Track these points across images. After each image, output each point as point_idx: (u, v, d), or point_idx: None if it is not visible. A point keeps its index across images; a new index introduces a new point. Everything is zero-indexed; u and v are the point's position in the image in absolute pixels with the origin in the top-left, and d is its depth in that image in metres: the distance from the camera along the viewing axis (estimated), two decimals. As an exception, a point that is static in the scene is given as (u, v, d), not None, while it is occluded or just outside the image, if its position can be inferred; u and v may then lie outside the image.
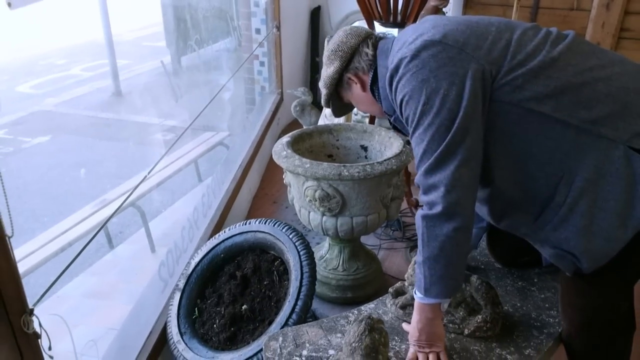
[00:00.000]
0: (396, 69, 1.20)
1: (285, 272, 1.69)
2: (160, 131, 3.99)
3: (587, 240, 1.15)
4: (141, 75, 5.81)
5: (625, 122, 1.12)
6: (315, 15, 4.08)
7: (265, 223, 1.77)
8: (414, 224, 2.62)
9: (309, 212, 1.98)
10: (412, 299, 1.44)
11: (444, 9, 2.91)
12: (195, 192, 3.15)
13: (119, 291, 2.45)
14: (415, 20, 2.49)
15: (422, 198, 1.21)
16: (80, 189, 3.43)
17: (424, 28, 1.21)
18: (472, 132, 1.14)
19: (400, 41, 1.26)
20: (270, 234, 1.73)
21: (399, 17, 2.46)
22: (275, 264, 1.72)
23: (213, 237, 1.83)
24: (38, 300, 1.01)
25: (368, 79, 1.37)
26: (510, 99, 1.14)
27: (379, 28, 2.60)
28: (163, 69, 3.08)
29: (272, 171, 3.16)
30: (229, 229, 1.83)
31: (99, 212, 2.52)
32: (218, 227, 2.25)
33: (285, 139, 2.07)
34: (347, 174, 1.79)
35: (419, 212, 1.22)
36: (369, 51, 1.34)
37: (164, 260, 1.78)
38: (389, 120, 1.44)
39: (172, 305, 1.70)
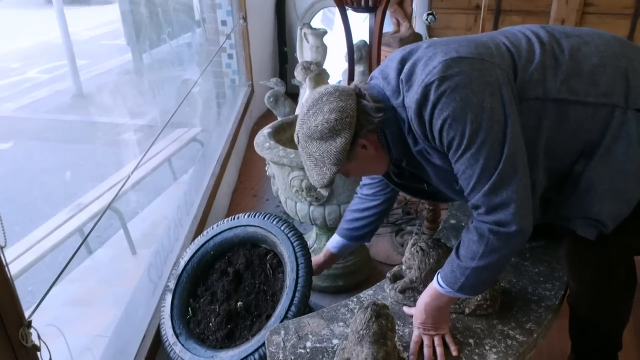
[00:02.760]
0: (424, 97, 1.11)
1: (278, 265, 1.66)
2: (129, 131, 3.88)
3: (609, 203, 1.21)
4: (102, 75, 5.64)
5: (626, 86, 1.17)
6: (281, 5, 4.03)
7: (254, 216, 1.73)
8: (396, 209, 2.64)
9: (296, 203, 1.96)
10: (411, 282, 1.44)
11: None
12: (172, 191, 3.09)
13: (102, 296, 2.38)
14: (386, 6, 2.48)
15: (486, 218, 1.15)
16: (51, 195, 3.31)
17: (423, 53, 1.16)
18: (521, 139, 1.13)
19: (402, 75, 1.17)
20: (260, 227, 1.70)
21: (370, 2, 2.45)
22: (268, 257, 1.69)
23: (201, 234, 1.79)
24: (33, 312, 0.96)
25: (377, 137, 1.24)
26: (535, 94, 1.15)
27: (350, 14, 2.58)
28: (130, 67, 2.98)
29: (250, 164, 3.12)
30: (217, 225, 1.79)
31: (75, 217, 2.44)
32: (202, 224, 2.21)
33: (266, 130, 2.04)
34: (333, 161, 1.77)
35: (484, 226, 1.16)
36: (373, 104, 1.19)
37: (153, 262, 1.73)
38: (391, 174, 1.38)
39: (164, 307, 1.66)
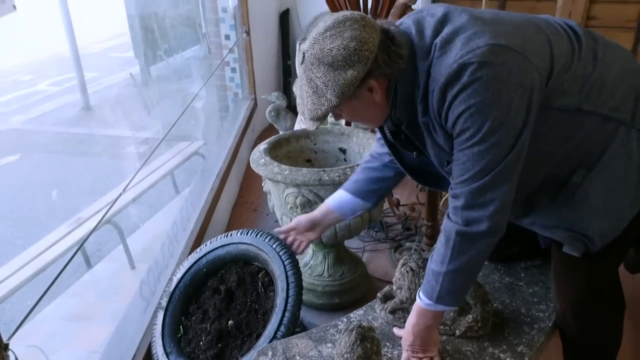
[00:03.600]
0: (457, 75, 1.03)
1: (270, 283, 1.65)
2: (133, 144, 3.91)
3: (600, 220, 1.19)
4: (111, 88, 5.70)
5: (634, 105, 1.16)
6: (285, 18, 4.05)
7: (247, 234, 1.72)
8: (396, 224, 2.62)
9: (291, 219, 1.94)
10: (402, 302, 1.42)
11: (413, 6, 2.91)
12: (173, 205, 3.09)
13: (100, 311, 2.38)
14: (386, 19, 2.48)
15: (460, 213, 1.13)
16: (54, 208, 3.34)
17: (469, 24, 1.07)
18: (526, 147, 1.10)
19: (438, 38, 1.08)
20: (253, 244, 1.69)
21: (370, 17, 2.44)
22: (260, 275, 1.68)
23: (194, 252, 1.78)
24: (12, 334, 0.96)
25: (388, 85, 1.15)
26: (559, 104, 1.12)
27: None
28: (133, 81, 3.01)
29: (251, 179, 3.11)
30: (210, 242, 1.78)
31: (75, 231, 2.45)
32: (199, 239, 2.21)
33: (263, 145, 2.04)
34: (327, 178, 1.76)
35: (452, 227, 1.15)
36: (401, 51, 1.08)
37: (145, 279, 1.73)
38: (384, 127, 1.30)
39: (155, 324, 1.65)
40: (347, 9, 2.44)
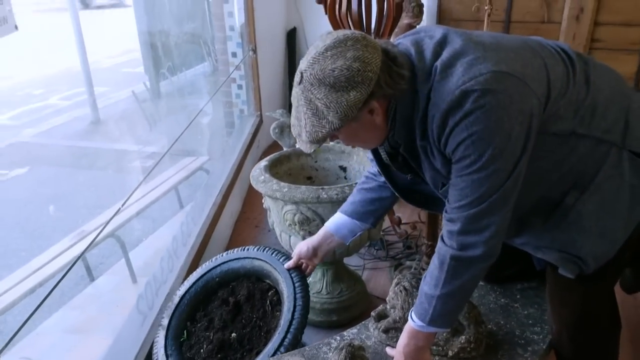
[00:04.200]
0: (459, 103, 1.03)
1: (278, 302, 1.66)
2: (140, 158, 3.95)
3: (593, 242, 1.19)
4: (120, 102, 5.77)
5: (625, 126, 1.17)
6: (292, 37, 4.11)
7: (263, 251, 1.75)
8: (397, 242, 2.62)
9: (290, 236, 1.96)
10: (395, 322, 1.42)
11: (417, 26, 2.94)
12: (177, 219, 3.11)
13: (100, 325, 2.39)
14: (389, 39, 2.51)
15: (455, 238, 1.14)
16: (59, 221, 3.37)
17: (470, 49, 1.07)
18: (523, 173, 1.11)
19: (438, 61, 1.08)
20: (267, 262, 1.71)
21: (372, 37, 2.47)
22: (269, 293, 1.70)
23: (209, 260, 1.81)
24: (4, 347, 0.97)
25: (388, 106, 1.13)
26: (555, 129, 1.13)
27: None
28: (138, 97, 3.05)
29: (254, 195, 3.13)
30: (227, 253, 1.82)
31: (78, 244, 2.47)
32: (199, 255, 2.22)
33: (263, 163, 2.06)
34: (325, 196, 1.78)
35: (447, 251, 1.15)
36: (403, 71, 1.08)
37: (143, 293, 1.74)
38: (379, 150, 1.29)
39: (161, 325, 1.67)
40: (350, 28, 2.47)
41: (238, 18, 3.37)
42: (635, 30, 3.15)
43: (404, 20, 2.70)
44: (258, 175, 1.95)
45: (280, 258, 1.70)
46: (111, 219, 1.61)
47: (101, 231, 1.57)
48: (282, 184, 1.85)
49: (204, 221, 2.41)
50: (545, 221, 1.21)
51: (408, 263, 2.49)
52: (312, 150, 1.13)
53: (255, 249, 1.78)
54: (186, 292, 1.75)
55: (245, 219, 2.94)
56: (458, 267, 1.14)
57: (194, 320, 1.72)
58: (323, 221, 1.81)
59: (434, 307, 1.17)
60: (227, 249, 2.65)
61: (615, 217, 1.18)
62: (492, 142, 1.04)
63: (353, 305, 2.12)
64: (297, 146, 2.90)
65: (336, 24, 2.50)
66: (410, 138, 1.15)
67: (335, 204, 1.78)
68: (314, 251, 1.58)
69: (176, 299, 1.73)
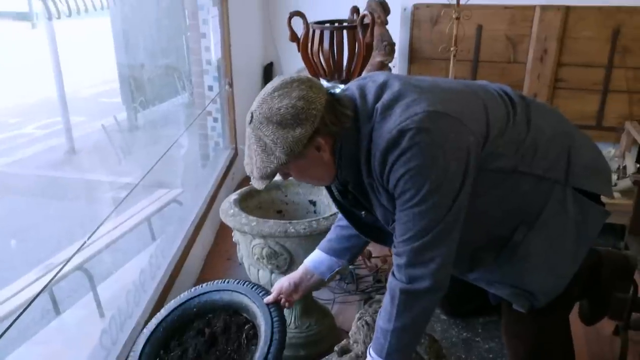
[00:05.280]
0: (396, 141, 1.09)
1: (254, 336, 1.66)
2: (113, 189, 3.92)
3: (543, 277, 1.24)
4: (96, 132, 5.74)
5: (567, 164, 1.23)
6: (268, 71, 4.18)
7: (244, 284, 1.75)
8: (367, 276, 2.64)
9: (258, 270, 1.97)
10: (357, 356, 1.43)
11: (389, 64, 3.03)
12: (148, 252, 3.09)
13: (64, 360, 2.34)
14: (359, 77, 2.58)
15: (403, 271, 1.17)
16: (27, 253, 3.31)
17: (407, 91, 1.14)
18: (464, 208, 1.15)
19: (379, 103, 1.14)
20: (247, 295, 1.71)
21: (344, 74, 2.55)
22: (246, 327, 1.69)
23: (188, 290, 1.81)
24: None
25: (334, 144, 1.19)
26: (495, 166, 1.18)
27: (325, 85, 2.68)
28: (107, 130, 3.05)
29: (227, 227, 3.10)
30: (207, 285, 1.81)
31: (45, 277, 2.43)
32: (168, 288, 2.21)
33: (233, 196, 2.08)
34: (293, 230, 1.80)
35: (396, 285, 1.18)
36: (347, 111, 1.15)
37: (107, 328, 1.73)
38: (332, 187, 1.35)
39: (134, 351, 1.66)
40: (321, 66, 2.54)
41: (215, 52, 3.43)
42: (596, 71, 3.28)
43: (376, 58, 2.79)
44: (227, 208, 1.96)
45: (260, 292, 1.70)
46: (77, 252, 1.61)
47: (66, 264, 1.55)
48: (251, 217, 1.87)
49: (174, 254, 2.40)
50: (496, 257, 1.25)
51: (378, 297, 2.50)
52: (264, 186, 1.20)
53: (236, 282, 1.78)
54: (163, 319, 1.73)
55: (217, 251, 2.94)
56: (408, 300, 1.17)
57: (168, 349, 1.70)
58: (291, 255, 1.84)
59: (389, 341, 1.20)
60: (197, 281, 2.63)
61: (563, 253, 1.23)
62: (428, 177, 1.09)
63: (322, 339, 2.12)
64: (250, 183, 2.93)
65: (308, 61, 2.57)
66: (358, 176, 1.21)
67: (303, 238, 1.80)
68: (295, 287, 1.61)
69: (152, 325, 1.71)
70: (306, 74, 4.12)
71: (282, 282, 1.63)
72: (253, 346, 1.63)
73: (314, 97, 1.12)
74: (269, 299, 1.64)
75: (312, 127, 1.11)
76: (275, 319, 1.60)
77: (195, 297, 1.78)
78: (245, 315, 1.73)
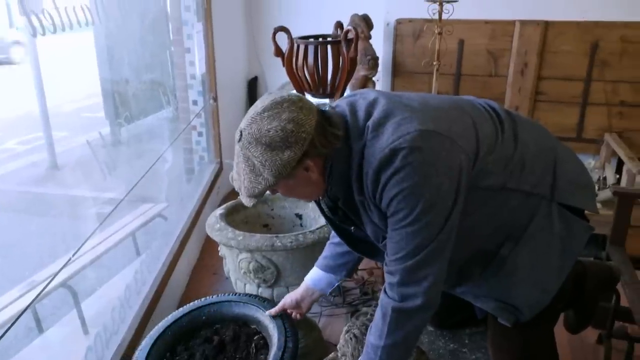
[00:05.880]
0: (389, 160, 1.09)
1: (264, 346, 1.67)
2: (97, 205, 3.88)
3: (528, 291, 1.26)
4: (79, 148, 5.69)
5: (553, 179, 1.25)
6: (253, 86, 4.20)
7: (255, 297, 1.78)
8: (354, 289, 2.64)
9: (245, 284, 1.96)
10: (345, 370, 1.44)
11: (373, 78, 3.06)
12: (132, 268, 3.07)
13: (48, 379, 2.31)
14: (342, 93, 2.61)
15: (396, 290, 1.18)
16: (9, 270, 3.26)
17: (398, 109, 1.14)
18: (456, 226, 1.16)
19: (370, 121, 1.15)
20: (259, 307, 1.72)
21: (328, 88, 2.57)
22: (255, 337, 1.70)
23: (199, 300, 1.81)
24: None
25: (324, 164, 1.19)
26: (485, 184, 1.19)
27: (309, 99, 2.70)
28: (101, 141, 3.03)
29: (212, 242, 3.09)
30: (219, 295, 1.82)
31: (28, 294, 2.39)
32: (153, 303, 2.19)
33: (219, 211, 2.08)
34: (279, 244, 1.80)
35: (388, 303, 1.19)
36: (333, 129, 1.15)
37: (92, 345, 1.71)
38: (321, 203, 1.36)
39: (141, 350, 1.64)
40: (306, 80, 2.56)
41: (199, 67, 3.44)
42: (575, 85, 3.36)
43: (360, 72, 2.82)
44: (214, 223, 1.96)
45: (270, 305, 1.73)
46: (61, 269, 1.59)
47: (50, 281, 1.54)
48: (237, 232, 1.87)
49: (160, 269, 2.38)
50: (483, 271, 1.27)
51: (364, 309, 2.51)
52: (252, 204, 1.20)
53: (247, 295, 1.80)
54: (172, 323, 1.73)
55: (203, 266, 2.92)
56: (400, 318, 1.18)
57: (174, 353, 1.70)
58: (278, 269, 1.84)
59: (380, 357, 1.20)
60: (183, 296, 2.62)
61: (548, 267, 1.25)
62: (422, 196, 1.10)
63: (309, 353, 2.11)
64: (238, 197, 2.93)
65: (293, 76, 2.59)
66: (348, 193, 1.21)
67: (289, 252, 1.81)
68: (298, 303, 1.64)
69: (160, 328, 1.71)
70: (291, 88, 4.15)
71: (286, 299, 1.66)
72: (262, 355, 1.64)
73: (304, 120, 1.11)
74: (275, 309, 1.66)
75: (301, 150, 1.11)
76: (288, 328, 1.62)
77: (205, 305, 1.79)
78: (254, 327, 1.75)
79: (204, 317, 1.77)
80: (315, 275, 1.62)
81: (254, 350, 1.66)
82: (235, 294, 1.81)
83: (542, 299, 1.26)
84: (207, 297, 1.83)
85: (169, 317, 1.76)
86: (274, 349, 1.56)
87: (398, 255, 1.16)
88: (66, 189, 4.65)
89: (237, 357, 1.65)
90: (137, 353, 1.64)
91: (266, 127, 1.11)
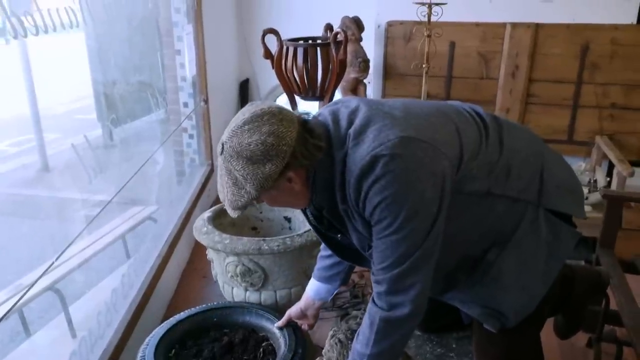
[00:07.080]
0: (371, 167, 1.09)
1: (272, 352, 1.68)
2: (86, 207, 3.86)
3: (514, 297, 1.25)
4: (70, 150, 5.65)
5: (539, 185, 1.24)
6: (244, 87, 4.18)
7: (267, 308, 1.83)
8: (344, 292, 2.62)
9: (232, 288, 1.95)
10: (331, 375, 1.43)
11: (364, 81, 3.06)
12: (121, 271, 3.05)
13: (34, 384, 2.29)
14: (332, 96, 2.60)
15: (384, 298, 1.17)
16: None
17: (379, 116, 1.13)
18: (441, 232, 1.16)
19: (351, 129, 1.14)
20: (271, 317, 1.77)
21: (318, 91, 2.56)
22: (264, 343, 1.73)
23: (215, 302, 1.88)
24: None
25: (307, 174, 1.19)
26: (469, 189, 1.19)
27: (299, 102, 2.69)
28: (99, 142, 3.02)
29: (202, 245, 3.10)
30: (230, 302, 1.88)
31: (14, 298, 2.37)
32: (141, 307, 2.16)
33: (207, 214, 2.07)
34: (266, 247, 1.79)
35: (376, 312, 1.19)
36: (314, 140, 1.14)
37: (77, 350, 1.69)
38: (307, 211, 1.36)
39: (152, 336, 1.68)
40: (296, 82, 2.55)
41: (190, 69, 3.42)
42: (566, 87, 3.36)
43: (351, 74, 2.82)
44: (201, 226, 1.95)
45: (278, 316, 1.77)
46: (45, 272, 1.57)
47: (34, 284, 1.52)
48: (224, 235, 1.86)
49: (148, 272, 2.36)
50: (469, 277, 1.26)
51: (354, 313, 2.50)
52: (236, 215, 1.20)
53: (258, 305, 1.86)
54: (183, 319, 1.78)
55: (193, 269, 2.90)
56: (387, 328, 1.18)
57: (184, 345, 1.73)
58: (265, 272, 1.83)
59: None
60: (172, 300, 2.59)
61: (534, 273, 1.24)
62: (405, 204, 1.09)
63: (297, 357, 2.10)
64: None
65: (283, 78, 2.58)
66: (332, 202, 1.21)
67: (277, 256, 1.80)
68: (303, 313, 1.67)
69: (172, 321, 1.76)
70: (281, 90, 4.14)
71: (291, 310, 1.69)
72: (269, 359, 1.66)
73: (284, 132, 1.10)
74: (282, 321, 1.71)
75: (282, 162, 1.10)
76: (298, 335, 1.66)
77: (218, 308, 1.83)
78: (263, 334, 1.78)
79: (215, 319, 1.81)
80: (314, 287, 1.65)
81: (262, 355, 1.68)
82: (246, 302, 1.86)
83: (528, 305, 1.25)
84: (220, 302, 1.88)
85: (181, 313, 1.81)
86: (283, 350, 1.59)
87: (384, 264, 1.15)
88: (56, 191, 4.62)
89: (245, 359, 1.67)
90: (147, 339, 1.68)
91: (247, 140, 1.10)
